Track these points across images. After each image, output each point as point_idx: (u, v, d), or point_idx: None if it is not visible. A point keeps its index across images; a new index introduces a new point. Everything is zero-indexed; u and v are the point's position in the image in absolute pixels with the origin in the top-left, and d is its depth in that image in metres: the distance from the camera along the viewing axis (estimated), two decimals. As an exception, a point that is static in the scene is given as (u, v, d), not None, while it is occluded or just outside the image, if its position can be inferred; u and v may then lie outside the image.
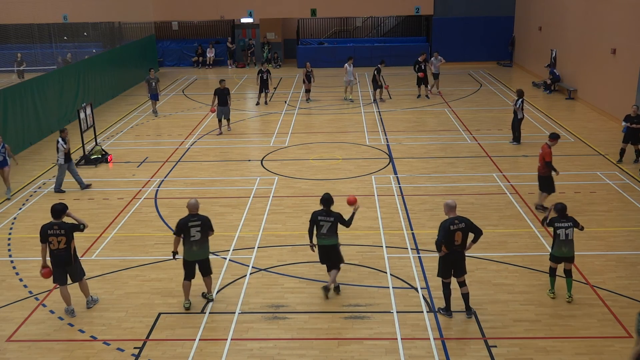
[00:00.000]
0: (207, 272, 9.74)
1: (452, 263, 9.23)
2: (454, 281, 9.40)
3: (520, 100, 17.89)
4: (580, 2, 23.74)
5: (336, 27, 37.87)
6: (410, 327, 9.19)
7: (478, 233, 9.21)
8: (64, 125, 21.36)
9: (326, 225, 9.74)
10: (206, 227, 9.50)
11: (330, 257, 9.95)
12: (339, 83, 28.19)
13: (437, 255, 9.27)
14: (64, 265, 9.44)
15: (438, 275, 9.42)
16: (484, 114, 22.13)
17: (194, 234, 9.37)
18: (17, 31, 28.00)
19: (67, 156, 14.95)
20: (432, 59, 25.40)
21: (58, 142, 14.86)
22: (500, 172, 15.88)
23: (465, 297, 9.37)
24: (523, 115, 18.11)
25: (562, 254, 9.63)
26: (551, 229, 9.88)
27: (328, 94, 26.36)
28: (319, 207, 9.81)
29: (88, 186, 15.33)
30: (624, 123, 15.96)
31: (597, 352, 8.52)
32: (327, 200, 9.84)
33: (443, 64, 25.60)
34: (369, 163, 16.86)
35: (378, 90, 24.12)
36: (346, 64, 24.17)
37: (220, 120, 20.26)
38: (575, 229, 9.67)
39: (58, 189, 15.08)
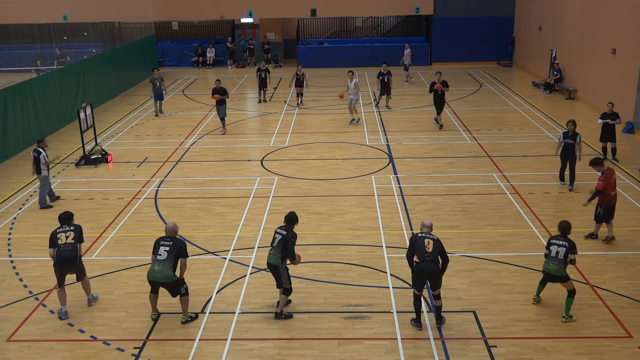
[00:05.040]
0: (175, 293, 9.29)
1: (426, 275, 8.88)
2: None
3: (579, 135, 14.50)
4: (580, 2, 23.74)
5: (336, 27, 37.88)
6: (410, 327, 9.19)
7: (445, 260, 8.92)
8: (64, 125, 21.40)
9: (276, 239, 9.33)
10: (176, 249, 9.06)
11: (275, 277, 9.50)
12: (339, 83, 28.20)
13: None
14: (67, 263, 9.47)
15: (412, 287, 9.15)
16: (484, 114, 22.13)
17: (161, 253, 9.07)
18: (17, 31, 28.02)
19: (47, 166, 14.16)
20: (406, 50, 28.33)
21: (40, 153, 13.90)
22: (500, 172, 15.88)
23: (438, 309, 9.14)
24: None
25: (548, 270, 9.28)
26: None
27: (328, 94, 26.35)
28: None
29: (57, 198, 14.53)
30: (600, 121, 16.08)
31: (597, 352, 8.53)
32: (289, 218, 9.37)
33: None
34: (369, 163, 16.87)
35: (386, 95, 23.12)
36: (347, 80, 21.36)
37: (222, 119, 20.36)
38: (568, 254, 9.16)
39: (45, 204, 14.14)
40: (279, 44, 35.16)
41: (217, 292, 10.30)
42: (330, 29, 37.81)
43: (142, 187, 15.34)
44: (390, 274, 10.72)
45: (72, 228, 9.63)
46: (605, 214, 11.74)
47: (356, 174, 15.93)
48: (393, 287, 10.29)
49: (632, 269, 10.81)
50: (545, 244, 9.67)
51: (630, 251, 11.43)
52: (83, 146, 17.28)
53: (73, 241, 9.51)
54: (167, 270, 9.05)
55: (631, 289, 10.12)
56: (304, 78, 23.48)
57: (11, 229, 13.14)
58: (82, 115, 17.18)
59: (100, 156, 17.37)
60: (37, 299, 10.22)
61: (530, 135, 19.21)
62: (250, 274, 10.89)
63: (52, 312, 9.80)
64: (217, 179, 15.95)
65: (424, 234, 9.00)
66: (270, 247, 9.46)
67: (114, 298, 10.21)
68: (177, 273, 9.24)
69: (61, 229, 9.60)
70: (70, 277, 9.80)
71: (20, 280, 10.88)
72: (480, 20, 32.58)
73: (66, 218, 9.78)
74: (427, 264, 8.82)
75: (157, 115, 22.70)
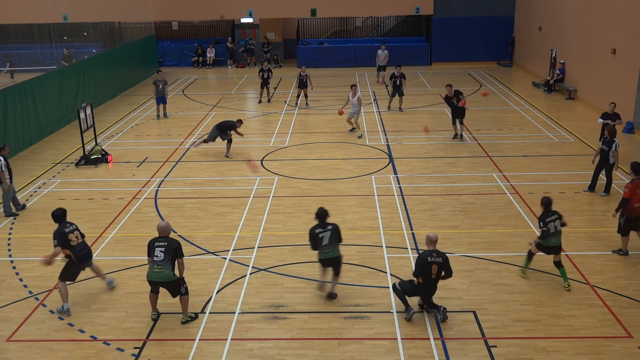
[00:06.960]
0: (175, 294, 9.32)
1: (424, 293, 9.32)
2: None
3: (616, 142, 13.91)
4: (580, 2, 23.74)
5: (336, 27, 37.89)
6: (410, 327, 9.19)
7: (448, 273, 9.23)
8: (64, 125, 21.39)
9: (326, 236, 9.73)
10: (171, 249, 9.07)
11: (335, 268, 9.98)
12: (339, 83, 28.25)
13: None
14: (87, 259, 9.79)
15: (406, 292, 9.39)
16: (484, 114, 22.12)
17: (157, 254, 9.10)
18: (17, 31, 27.99)
19: (10, 175, 13.59)
20: (379, 51, 27.42)
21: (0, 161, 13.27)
22: (500, 172, 15.88)
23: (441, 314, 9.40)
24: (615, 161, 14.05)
25: (552, 243, 10.13)
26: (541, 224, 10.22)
27: (328, 94, 26.35)
28: (319, 207, 9.89)
29: (24, 207, 14.14)
30: (600, 120, 16.03)
31: (597, 352, 8.52)
32: (323, 215, 9.87)
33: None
34: (369, 163, 16.86)
35: (399, 97, 22.53)
36: (349, 94, 19.57)
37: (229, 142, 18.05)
38: (560, 222, 10.20)
39: (10, 213, 13.69)
40: (279, 44, 35.17)
41: (217, 292, 10.29)
42: (330, 29, 37.82)
43: (142, 187, 15.34)
44: (390, 274, 10.71)
45: (74, 227, 9.77)
46: (625, 225, 11.22)
47: (356, 174, 15.93)
48: (393, 287, 10.29)
49: (632, 269, 10.81)
50: (543, 225, 10.10)
51: (631, 251, 11.41)
52: (83, 146, 17.28)
53: (82, 239, 9.78)
54: (166, 270, 9.06)
55: (631, 289, 10.12)
56: (308, 79, 23.37)
57: (11, 229, 13.14)
58: (82, 115, 17.18)
59: (100, 156, 17.36)
60: (37, 299, 10.22)
61: (530, 135, 19.22)
62: (250, 274, 10.89)
63: (52, 312, 9.80)
64: (217, 179, 15.95)
65: (432, 259, 9.06)
66: (322, 247, 9.69)
67: (114, 298, 10.21)
68: (176, 273, 9.24)
69: (67, 229, 9.63)
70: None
71: (20, 280, 10.88)
72: (480, 20, 32.59)
73: (62, 214, 9.80)
74: (430, 287, 9.23)
75: (158, 118, 22.54)
